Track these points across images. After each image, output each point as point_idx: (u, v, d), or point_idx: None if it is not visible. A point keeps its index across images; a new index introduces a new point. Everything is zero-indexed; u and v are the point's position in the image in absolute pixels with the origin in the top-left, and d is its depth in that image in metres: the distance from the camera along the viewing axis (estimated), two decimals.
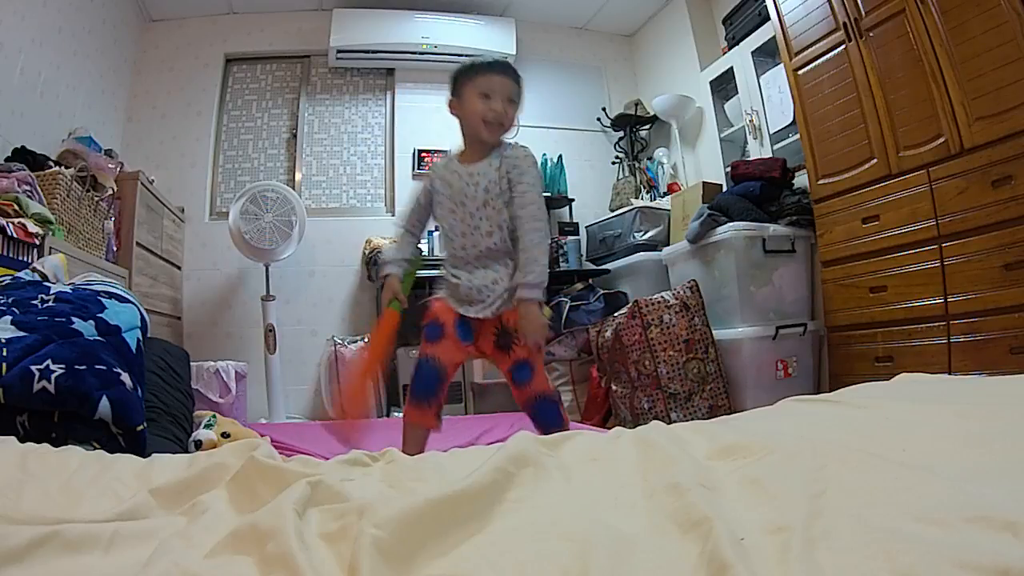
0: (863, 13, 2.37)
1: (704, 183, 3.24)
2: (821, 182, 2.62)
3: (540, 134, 4.20)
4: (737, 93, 3.48)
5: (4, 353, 1.08)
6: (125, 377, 1.22)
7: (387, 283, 1.62)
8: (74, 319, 1.26)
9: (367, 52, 3.90)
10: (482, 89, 1.52)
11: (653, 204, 3.62)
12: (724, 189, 3.19)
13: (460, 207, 1.55)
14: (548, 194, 3.89)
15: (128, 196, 2.80)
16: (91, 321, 1.29)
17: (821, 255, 2.65)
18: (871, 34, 2.35)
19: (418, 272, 1.73)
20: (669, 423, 0.95)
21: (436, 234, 3.67)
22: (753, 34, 3.30)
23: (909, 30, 2.20)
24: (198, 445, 1.65)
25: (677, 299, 2.71)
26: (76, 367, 1.13)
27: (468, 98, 1.53)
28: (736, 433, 0.80)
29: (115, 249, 2.68)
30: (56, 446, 0.85)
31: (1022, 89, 1.89)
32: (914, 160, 2.22)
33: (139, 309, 1.57)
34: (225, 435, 1.75)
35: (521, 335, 1.47)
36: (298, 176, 3.93)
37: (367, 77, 4.16)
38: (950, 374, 1.99)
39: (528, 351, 1.49)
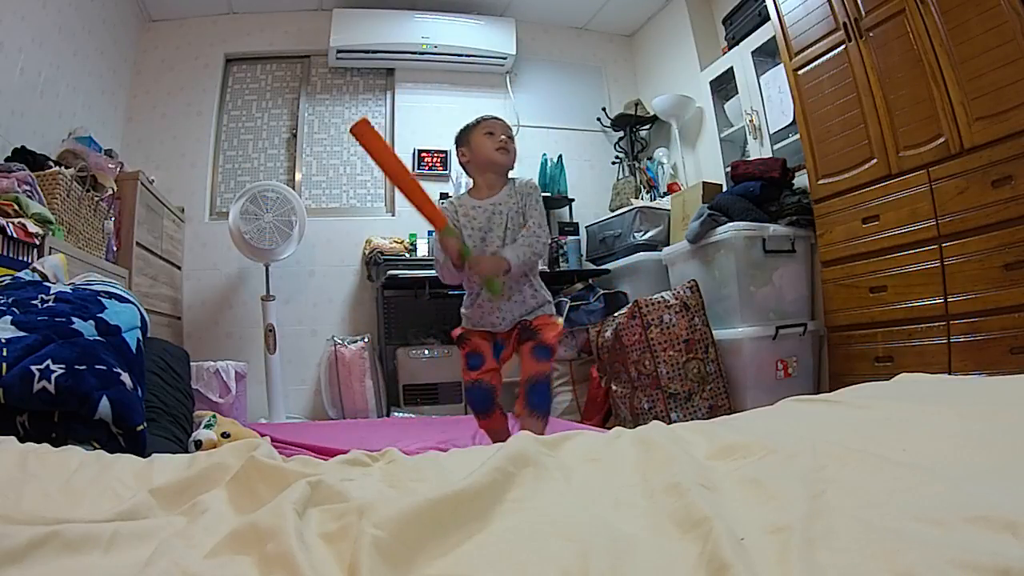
0: (863, 13, 2.37)
1: (704, 183, 3.24)
2: (821, 182, 2.62)
3: (540, 134, 4.20)
4: (737, 93, 3.48)
5: (4, 353, 1.08)
6: (125, 377, 1.22)
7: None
8: (74, 319, 1.26)
9: (367, 52, 3.90)
10: (486, 130, 1.85)
11: (653, 204, 3.62)
12: (724, 189, 3.19)
13: (488, 233, 1.81)
14: (548, 194, 3.89)
15: (128, 196, 2.80)
16: (91, 321, 1.29)
17: (821, 255, 2.65)
18: (871, 34, 2.35)
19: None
20: (669, 423, 0.95)
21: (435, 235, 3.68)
22: (753, 34, 3.30)
23: (909, 30, 2.20)
24: (198, 445, 1.65)
25: (677, 299, 2.71)
26: (76, 367, 1.13)
27: (476, 139, 1.85)
28: (736, 433, 0.81)
29: (115, 249, 2.68)
30: (56, 446, 0.85)
31: (1022, 89, 1.89)
32: (914, 160, 2.22)
33: (139, 309, 1.57)
34: (225, 435, 1.75)
35: (480, 268, 1.71)
36: (298, 176, 3.93)
37: (367, 77, 4.16)
38: (950, 374, 1.99)
39: (552, 339, 1.76)
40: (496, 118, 1.91)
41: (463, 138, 1.91)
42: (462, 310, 1.89)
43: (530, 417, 1.71)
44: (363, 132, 1.61)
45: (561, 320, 1.87)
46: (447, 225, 1.73)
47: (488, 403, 1.81)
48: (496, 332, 1.83)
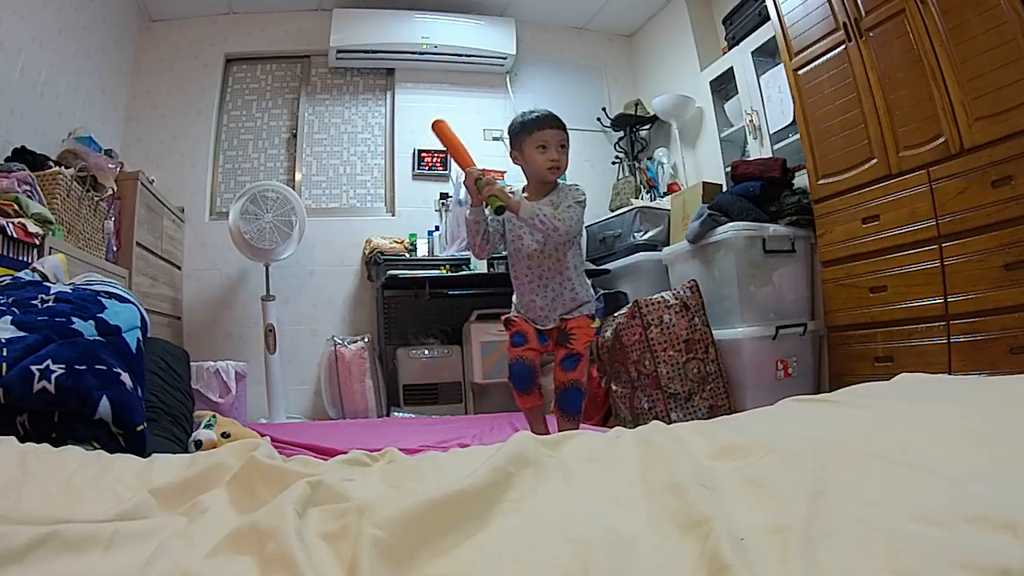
0: (863, 13, 2.37)
1: (704, 183, 3.24)
2: (821, 182, 2.62)
3: None
4: (737, 93, 3.48)
5: (4, 353, 1.08)
6: (125, 377, 1.22)
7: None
8: (74, 319, 1.26)
9: (367, 52, 3.90)
10: (538, 142, 1.87)
11: (653, 204, 3.62)
12: (724, 189, 3.19)
13: (528, 235, 1.90)
14: None
15: (128, 196, 2.80)
16: (91, 321, 1.29)
17: (821, 255, 2.65)
18: (871, 34, 2.35)
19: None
20: (669, 423, 0.95)
21: (436, 234, 3.69)
22: (753, 34, 3.30)
23: (909, 30, 2.20)
24: (198, 445, 1.65)
25: (677, 299, 2.70)
26: (76, 367, 1.13)
27: (528, 152, 1.89)
28: (736, 433, 0.80)
29: (115, 249, 2.68)
30: (56, 446, 0.85)
31: (1022, 89, 1.89)
32: (914, 160, 2.22)
33: (139, 309, 1.56)
34: (225, 435, 1.75)
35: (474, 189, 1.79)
36: (298, 176, 3.93)
37: (367, 77, 4.16)
38: (950, 374, 1.99)
39: (582, 347, 1.88)
40: (552, 124, 1.88)
41: (517, 142, 1.92)
42: (513, 299, 2.01)
43: (562, 418, 1.90)
44: (440, 130, 1.90)
45: (597, 322, 1.96)
46: (472, 165, 1.84)
47: (528, 380, 1.92)
48: (539, 327, 1.94)
